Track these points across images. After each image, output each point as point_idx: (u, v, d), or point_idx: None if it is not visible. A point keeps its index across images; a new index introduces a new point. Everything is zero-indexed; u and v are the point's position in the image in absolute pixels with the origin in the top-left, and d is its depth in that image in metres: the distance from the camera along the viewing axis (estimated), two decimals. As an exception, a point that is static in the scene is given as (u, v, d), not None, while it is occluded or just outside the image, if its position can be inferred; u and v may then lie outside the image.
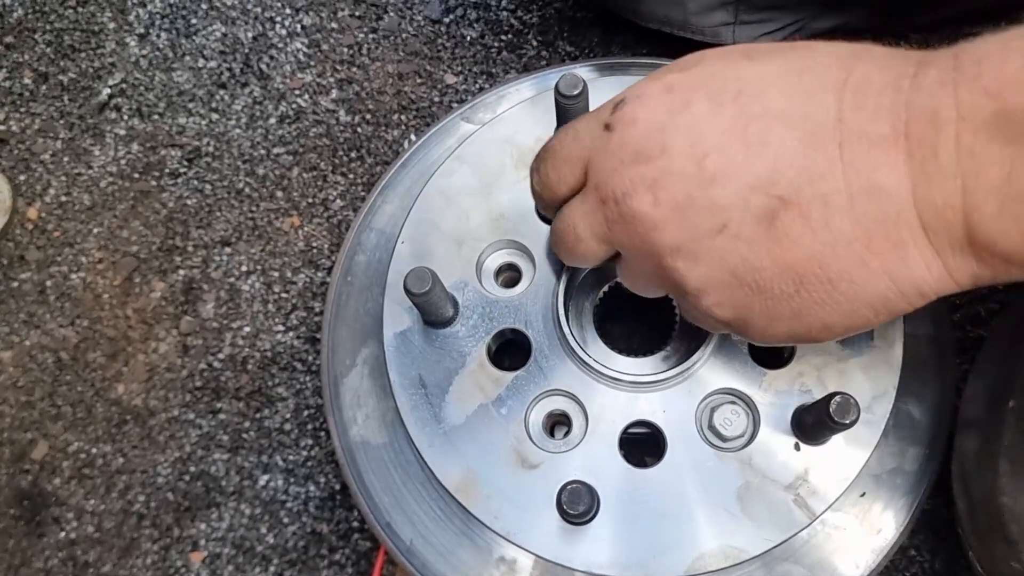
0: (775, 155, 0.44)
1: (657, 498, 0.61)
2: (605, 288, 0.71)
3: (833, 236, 0.44)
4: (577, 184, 0.52)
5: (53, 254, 0.91)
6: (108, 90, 0.96)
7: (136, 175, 0.93)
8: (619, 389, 0.64)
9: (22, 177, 0.93)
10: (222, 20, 0.98)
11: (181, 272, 0.90)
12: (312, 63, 0.96)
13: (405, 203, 0.74)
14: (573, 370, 0.65)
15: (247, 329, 0.87)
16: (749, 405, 0.63)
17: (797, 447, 0.62)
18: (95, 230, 0.91)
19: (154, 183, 0.93)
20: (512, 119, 0.72)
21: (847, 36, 0.86)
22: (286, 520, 0.82)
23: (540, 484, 0.62)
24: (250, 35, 0.97)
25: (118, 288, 0.89)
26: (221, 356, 0.87)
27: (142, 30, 0.98)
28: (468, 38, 0.96)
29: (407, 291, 0.60)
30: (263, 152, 0.93)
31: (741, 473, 0.61)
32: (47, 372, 0.87)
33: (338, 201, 0.91)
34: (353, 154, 0.93)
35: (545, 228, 0.68)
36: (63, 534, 0.82)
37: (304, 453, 0.84)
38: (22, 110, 0.96)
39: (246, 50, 0.97)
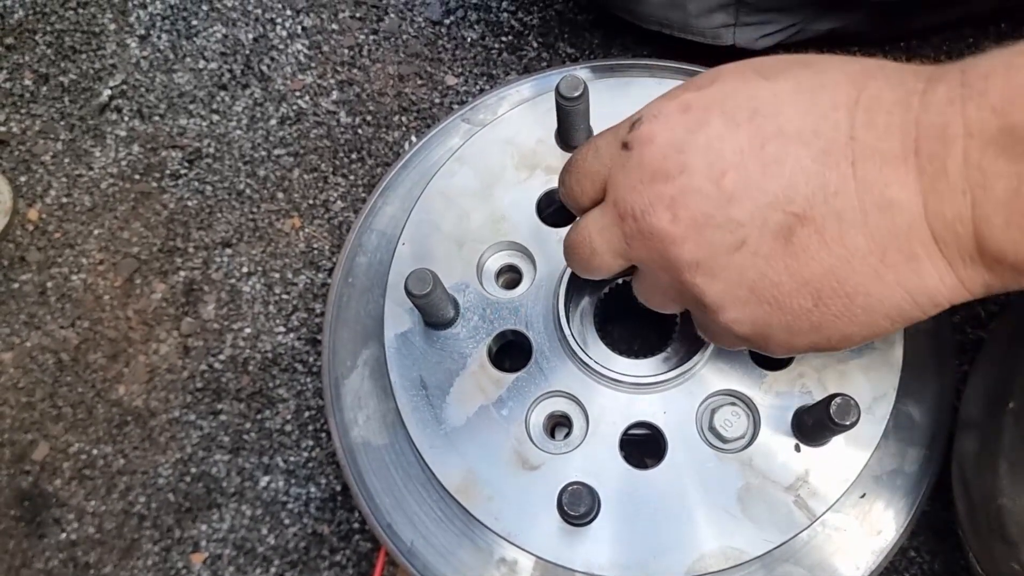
0: (791, 173, 0.45)
1: (658, 499, 0.61)
2: (606, 290, 0.71)
3: (848, 251, 0.45)
4: (598, 197, 0.53)
5: (54, 255, 0.91)
6: (109, 91, 0.96)
7: (137, 176, 0.93)
8: (620, 390, 0.64)
9: (23, 178, 0.93)
10: (223, 21, 0.98)
11: (182, 273, 0.90)
12: (313, 64, 0.96)
13: (406, 204, 0.74)
14: (574, 371, 0.65)
15: (248, 330, 0.88)
16: (749, 406, 0.63)
17: (797, 448, 0.62)
18: (96, 231, 0.91)
19: (155, 184, 0.93)
20: (513, 120, 0.72)
21: (845, 38, 0.88)
22: (287, 521, 0.82)
23: (541, 485, 0.62)
24: (251, 36, 0.97)
25: (119, 289, 0.89)
26: (222, 357, 0.87)
27: (143, 31, 0.98)
28: (469, 39, 0.96)
29: (408, 292, 0.60)
30: (264, 153, 0.93)
31: (741, 474, 0.61)
32: (48, 373, 0.87)
33: (339, 202, 0.91)
34: (354, 155, 0.93)
35: (546, 229, 0.69)
36: (64, 535, 0.82)
37: (305, 454, 0.84)
38: (23, 111, 0.96)
39: (247, 51, 0.97)
